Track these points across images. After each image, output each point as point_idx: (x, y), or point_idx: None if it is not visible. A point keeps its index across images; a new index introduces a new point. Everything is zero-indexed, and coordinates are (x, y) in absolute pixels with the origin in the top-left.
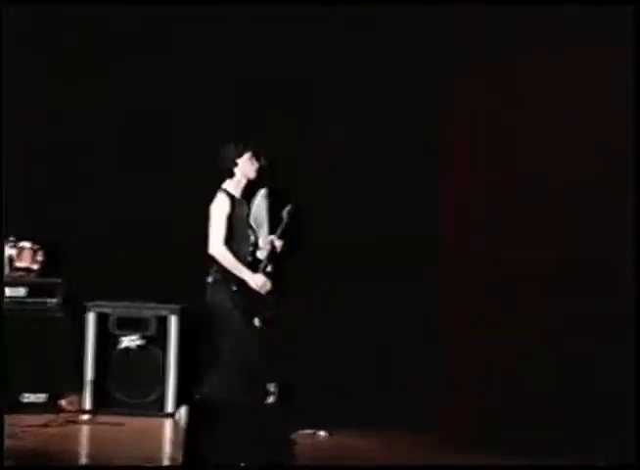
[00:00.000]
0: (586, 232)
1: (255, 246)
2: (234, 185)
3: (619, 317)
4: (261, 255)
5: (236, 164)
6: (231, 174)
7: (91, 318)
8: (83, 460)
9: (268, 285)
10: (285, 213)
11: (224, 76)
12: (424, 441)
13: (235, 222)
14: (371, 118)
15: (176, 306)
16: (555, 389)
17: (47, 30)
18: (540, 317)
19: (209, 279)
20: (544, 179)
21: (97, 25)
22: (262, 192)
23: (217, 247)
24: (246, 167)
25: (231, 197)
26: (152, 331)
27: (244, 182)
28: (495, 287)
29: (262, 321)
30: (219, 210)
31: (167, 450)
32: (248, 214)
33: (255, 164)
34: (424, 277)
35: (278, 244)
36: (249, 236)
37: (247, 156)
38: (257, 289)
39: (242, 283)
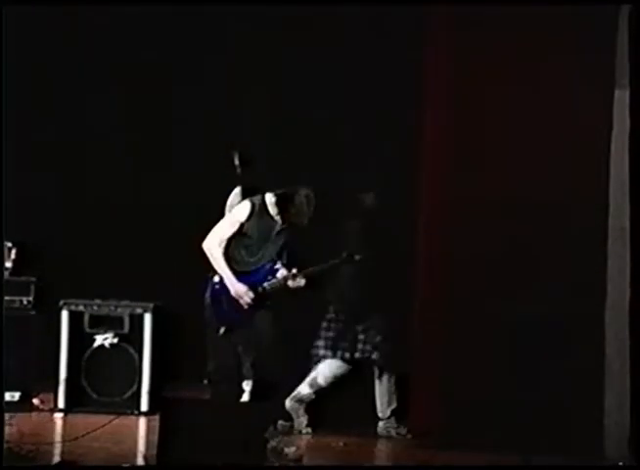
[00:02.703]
0: (562, 233)
1: (271, 269)
2: (273, 202)
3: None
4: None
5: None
6: (277, 202)
7: (65, 316)
8: (57, 458)
9: (247, 298)
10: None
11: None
12: (395, 439)
13: (251, 234)
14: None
15: (150, 304)
16: (547, 386)
17: (47, 31)
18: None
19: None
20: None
21: (96, 26)
22: (236, 190)
23: (210, 244)
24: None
25: (254, 207)
26: (126, 329)
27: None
28: (467, 283)
29: (227, 329)
30: (234, 213)
31: (142, 449)
32: (281, 234)
33: (304, 219)
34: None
35: (293, 284)
36: (266, 256)
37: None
38: (236, 297)
39: (225, 288)
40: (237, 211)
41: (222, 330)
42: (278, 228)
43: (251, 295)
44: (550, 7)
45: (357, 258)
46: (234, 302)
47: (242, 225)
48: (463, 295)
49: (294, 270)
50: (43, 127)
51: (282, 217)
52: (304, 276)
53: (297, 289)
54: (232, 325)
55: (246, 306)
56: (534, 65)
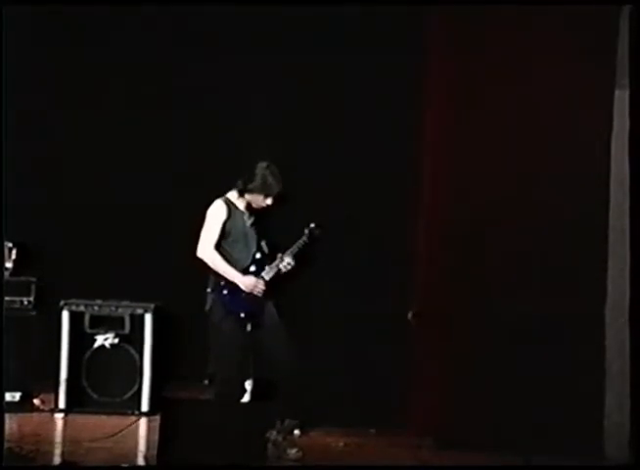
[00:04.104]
0: (565, 230)
1: (263, 260)
2: (236, 197)
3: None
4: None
5: (251, 191)
6: (241, 193)
7: (65, 317)
8: (57, 459)
9: (260, 286)
10: (307, 232)
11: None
12: (396, 439)
13: (233, 231)
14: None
15: (151, 305)
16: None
17: (47, 31)
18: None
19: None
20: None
21: (96, 26)
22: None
23: (205, 250)
24: (257, 200)
25: (228, 205)
26: (126, 329)
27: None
28: (467, 283)
29: (254, 325)
30: (213, 215)
31: (142, 449)
32: (254, 227)
33: (267, 202)
34: (394, 277)
35: (283, 265)
36: (250, 248)
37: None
38: (249, 291)
39: (235, 288)
40: (214, 213)
41: (249, 327)
42: (249, 221)
43: (262, 282)
44: (550, 7)
45: (317, 232)
46: (250, 296)
47: (224, 225)
48: (463, 294)
49: (279, 254)
50: (43, 127)
51: (249, 208)
52: (289, 255)
53: (291, 271)
54: (256, 318)
55: (261, 294)
56: (534, 65)
